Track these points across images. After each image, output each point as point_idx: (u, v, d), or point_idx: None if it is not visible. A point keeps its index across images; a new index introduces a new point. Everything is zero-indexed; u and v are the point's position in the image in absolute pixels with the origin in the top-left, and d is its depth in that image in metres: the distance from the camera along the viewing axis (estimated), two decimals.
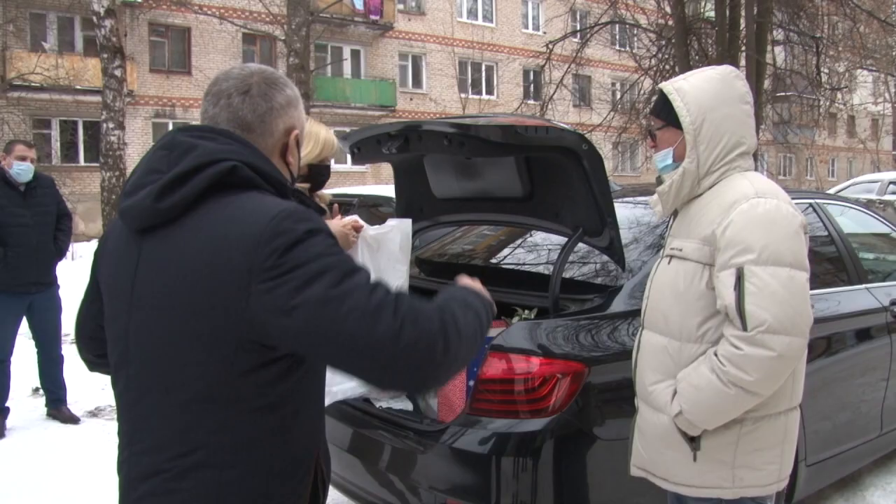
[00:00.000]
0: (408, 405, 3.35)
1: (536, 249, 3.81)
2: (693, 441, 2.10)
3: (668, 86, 2.20)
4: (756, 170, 2.26)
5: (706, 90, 2.14)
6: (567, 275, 3.17)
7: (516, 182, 3.13)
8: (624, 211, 3.65)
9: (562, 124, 2.88)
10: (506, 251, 4.08)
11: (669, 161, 2.21)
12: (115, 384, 1.52)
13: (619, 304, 2.92)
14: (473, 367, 2.91)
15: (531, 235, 3.89)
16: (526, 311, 3.05)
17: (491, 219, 3.61)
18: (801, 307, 1.97)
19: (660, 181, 2.27)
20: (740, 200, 2.04)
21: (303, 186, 2.92)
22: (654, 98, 2.28)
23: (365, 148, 3.26)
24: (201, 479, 1.37)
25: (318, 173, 3.00)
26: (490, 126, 2.71)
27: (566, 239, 3.02)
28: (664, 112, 2.20)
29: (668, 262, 2.21)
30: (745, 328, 1.94)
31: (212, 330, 1.34)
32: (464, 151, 2.84)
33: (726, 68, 2.24)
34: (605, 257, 3.12)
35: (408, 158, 3.52)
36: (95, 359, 1.74)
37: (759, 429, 2.09)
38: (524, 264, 3.83)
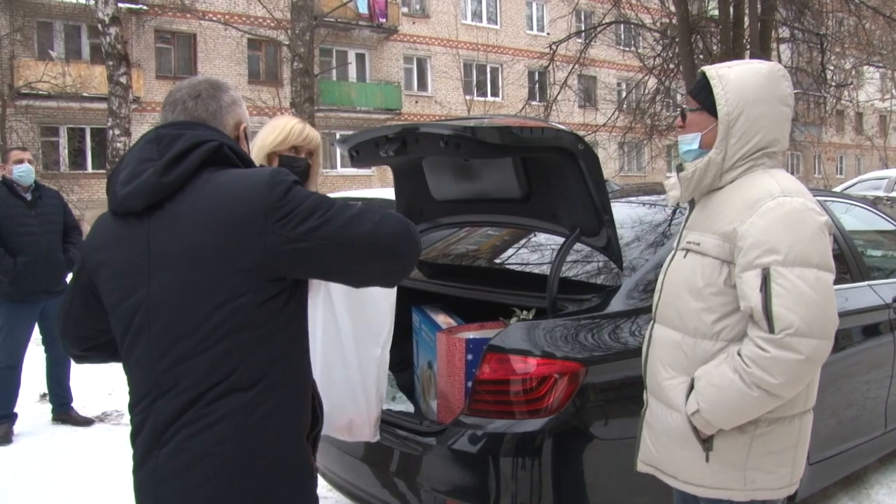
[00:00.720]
0: (408, 406, 3.36)
1: (535, 250, 3.82)
2: (706, 441, 2.08)
3: (711, 70, 2.13)
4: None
5: (749, 83, 2.08)
6: (565, 275, 3.17)
7: (514, 183, 3.14)
8: (626, 210, 3.65)
9: (558, 125, 2.88)
10: (505, 252, 4.08)
11: (695, 146, 2.15)
12: (129, 355, 1.71)
13: (617, 304, 2.92)
14: (472, 367, 2.91)
15: (531, 236, 3.90)
16: (524, 312, 3.05)
17: (490, 220, 3.61)
18: (828, 309, 1.94)
19: (680, 168, 2.21)
20: (765, 198, 1.99)
21: None
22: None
23: (363, 151, 3.27)
24: (231, 401, 1.60)
25: (289, 165, 2.88)
26: (486, 127, 2.72)
27: (564, 239, 3.02)
28: (702, 95, 2.14)
29: (684, 256, 2.16)
30: (772, 330, 1.90)
31: (237, 271, 1.60)
32: (460, 153, 2.84)
33: (774, 65, 2.17)
34: (604, 257, 3.12)
35: (407, 161, 3.52)
36: (82, 353, 1.95)
37: (773, 431, 2.07)
38: (523, 265, 3.83)
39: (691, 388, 2.09)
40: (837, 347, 3.66)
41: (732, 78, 2.08)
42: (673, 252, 2.28)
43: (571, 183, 2.90)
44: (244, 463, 1.60)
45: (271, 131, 2.88)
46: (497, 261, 4.06)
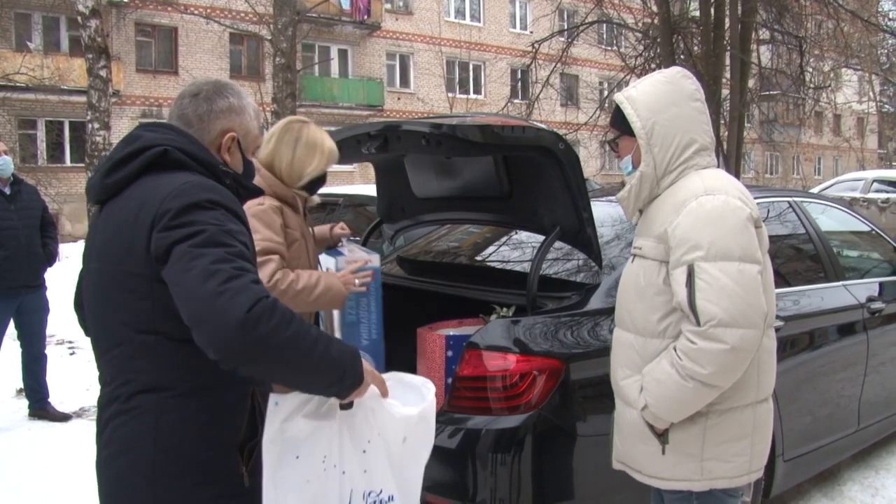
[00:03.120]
0: None
1: (516, 248, 3.84)
2: (661, 435, 2.17)
3: (619, 96, 2.26)
4: (720, 166, 2.32)
5: (653, 93, 2.20)
6: (545, 273, 3.19)
7: (495, 181, 3.16)
8: (606, 209, 3.68)
9: (539, 124, 2.91)
10: (486, 249, 4.10)
11: (630, 168, 2.28)
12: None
13: (596, 302, 2.94)
14: (451, 364, 2.93)
15: (512, 234, 3.92)
16: (504, 309, 3.07)
17: (471, 218, 3.63)
18: (752, 299, 2.02)
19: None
20: (689, 199, 2.11)
21: (299, 194, 2.92)
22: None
23: (345, 148, 3.27)
24: (143, 401, 1.65)
25: (320, 180, 2.98)
26: (467, 126, 2.74)
27: (544, 237, 3.04)
28: (618, 122, 2.28)
29: (632, 261, 2.29)
30: (697, 323, 2.01)
31: (132, 273, 1.64)
32: (442, 151, 2.86)
33: (673, 69, 2.30)
34: (584, 255, 3.14)
35: (388, 158, 3.54)
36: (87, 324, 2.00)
37: (724, 421, 2.15)
38: (503, 262, 3.86)
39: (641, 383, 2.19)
40: (811, 346, 3.72)
41: (637, 95, 2.21)
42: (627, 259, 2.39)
43: (552, 182, 2.92)
44: (156, 465, 1.64)
45: (308, 157, 2.88)
46: (478, 258, 4.08)
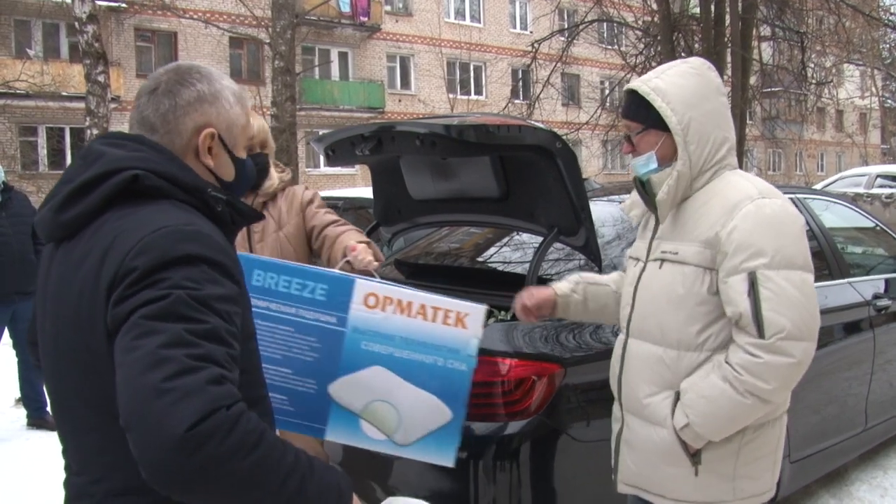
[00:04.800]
0: None
1: (514, 249, 3.78)
2: (694, 455, 2.01)
3: (642, 86, 2.05)
4: (743, 166, 2.22)
5: (686, 86, 2.02)
6: (544, 274, 3.14)
7: (492, 182, 3.11)
8: (607, 208, 3.63)
9: (536, 123, 2.85)
10: (484, 252, 4.05)
11: (653, 165, 2.07)
12: None
13: None
14: None
15: (510, 235, 3.86)
16: (502, 312, 3.01)
17: (468, 219, 3.58)
18: (814, 311, 1.91)
19: (640, 182, 2.16)
20: (744, 201, 1.95)
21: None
22: (624, 99, 2.15)
23: (339, 150, 3.23)
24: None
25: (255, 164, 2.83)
26: (462, 126, 2.68)
27: (542, 239, 2.99)
28: (641, 114, 2.06)
29: (660, 267, 2.08)
30: (762, 335, 1.86)
31: (93, 351, 1.27)
32: (436, 151, 2.81)
33: (698, 60, 2.14)
34: (583, 256, 3.08)
35: (384, 160, 3.48)
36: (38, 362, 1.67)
37: (759, 437, 2.04)
38: (501, 264, 3.80)
39: (676, 401, 2.03)
40: (819, 345, 3.65)
41: (667, 87, 2.02)
42: (641, 264, 2.18)
43: (549, 182, 2.87)
44: None
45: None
46: (476, 260, 4.03)
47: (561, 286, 2.37)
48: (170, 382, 1.11)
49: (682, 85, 2.02)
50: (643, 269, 2.16)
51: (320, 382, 2.12)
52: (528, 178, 3.00)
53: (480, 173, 3.11)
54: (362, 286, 2.15)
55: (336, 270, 2.32)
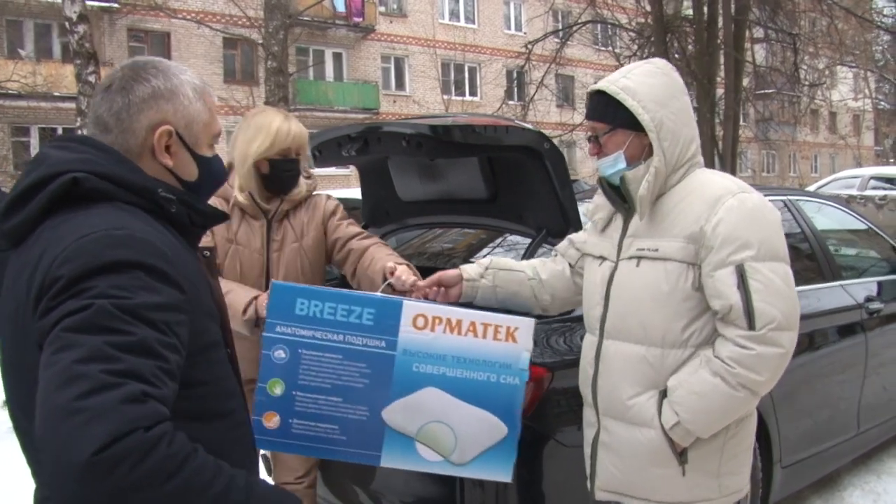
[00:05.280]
0: None
1: (508, 250, 3.75)
2: (681, 454, 2.00)
3: (611, 86, 2.04)
4: (715, 165, 2.23)
5: (655, 85, 2.03)
6: None
7: (480, 183, 3.07)
8: None
9: (523, 123, 2.82)
10: (472, 253, 4.01)
11: (622, 164, 2.07)
12: None
13: None
14: None
15: (504, 237, 3.82)
16: None
17: (456, 221, 3.54)
18: (796, 301, 1.95)
19: (607, 184, 2.15)
20: (726, 196, 1.97)
21: (244, 197, 2.67)
22: (589, 101, 2.13)
23: (326, 151, 3.19)
24: None
25: (283, 170, 2.71)
26: (448, 126, 2.65)
27: (530, 241, 2.95)
28: (609, 115, 2.06)
29: (637, 265, 2.06)
30: (752, 327, 1.87)
31: (30, 361, 1.18)
32: (422, 152, 2.77)
33: (661, 61, 2.17)
34: None
35: (372, 161, 3.45)
36: None
37: (740, 431, 2.06)
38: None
39: (661, 399, 2.01)
40: (812, 347, 3.63)
41: (636, 86, 2.02)
42: (610, 263, 2.15)
43: (537, 183, 2.83)
44: None
45: (254, 136, 2.68)
46: (461, 262, 3.98)
47: (469, 269, 2.38)
48: (81, 401, 1.03)
49: (650, 84, 2.03)
50: (615, 269, 2.13)
51: (372, 409, 2.10)
52: (516, 180, 2.96)
53: (468, 174, 3.08)
54: (410, 308, 2.14)
55: (381, 294, 2.29)
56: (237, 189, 2.72)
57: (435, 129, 2.64)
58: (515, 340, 2.16)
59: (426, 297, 2.34)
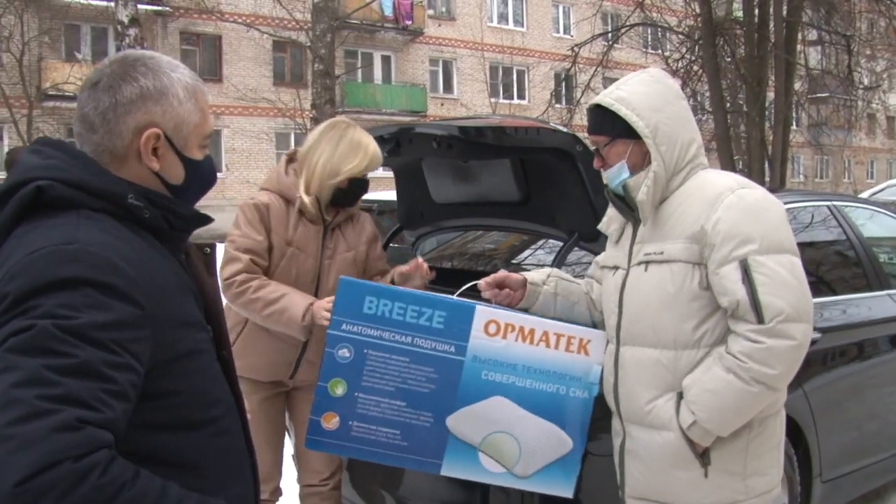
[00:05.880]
0: None
1: (536, 254, 3.72)
2: (703, 456, 1.99)
3: (605, 98, 2.09)
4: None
5: (648, 93, 2.07)
6: None
7: (512, 185, 3.06)
8: None
9: (556, 125, 2.80)
10: (505, 256, 3.99)
11: (626, 174, 2.10)
12: None
13: None
14: None
15: (533, 240, 3.80)
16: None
17: (489, 223, 3.53)
18: (807, 292, 1.95)
19: (614, 195, 2.17)
20: (725, 193, 1.99)
21: (310, 202, 2.70)
22: (588, 117, 2.17)
23: None
24: None
25: (358, 188, 2.78)
26: (478, 128, 2.65)
27: (562, 244, 2.93)
28: (607, 127, 2.10)
29: (645, 270, 2.08)
30: (761, 321, 1.87)
31: None
32: (453, 153, 2.77)
33: (655, 69, 2.22)
34: None
35: (407, 163, 3.45)
36: None
37: (764, 430, 2.04)
38: (522, 269, 3.73)
39: (678, 401, 2.01)
40: (851, 360, 3.52)
41: (629, 96, 2.06)
42: (622, 271, 2.17)
43: (569, 186, 2.81)
44: None
45: (349, 153, 2.70)
46: (497, 265, 3.96)
47: (533, 275, 2.36)
48: (11, 428, 0.99)
49: (644, 92, 2.07)
50: (626, 276, 2.15)
51: (437, 415, 2.06)
52: (548, 182, 2.94)
53: (501, 176, 3.06)
54: (483, 313, 2.10)
55: (455, 297, 2.22)
56: (305, 193, 2.71)
57: (465, 130, 2.63)
58: (588, 353, 2.11)
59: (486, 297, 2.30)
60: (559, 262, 2.82)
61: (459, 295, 2.24)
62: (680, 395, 2.01)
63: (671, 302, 2.02)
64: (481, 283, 2.28)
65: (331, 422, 2.03)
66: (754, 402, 1.93)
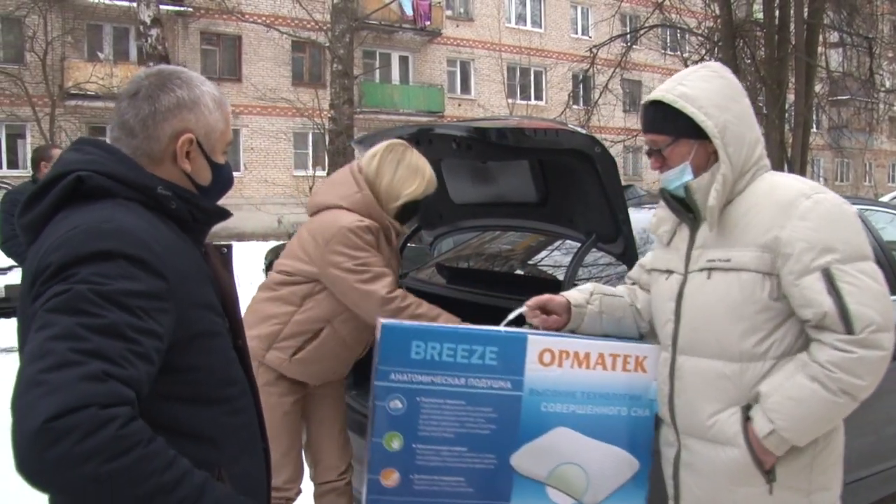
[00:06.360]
0: None
1: (553, 255, 3.73)
2: (769, 472, 1.91)
3: (668, 95, 1.96)
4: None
5: (713, 89, 1.95)
6: (581, 282, 3.07)
7: (530, 186, 3.07)
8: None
9: (574, 127, 2.81)
10: (523, 257, 4.01)
11: (688, 176, 1.98)
12: None
13: None
14: None
15: (551, 241, 3.81)
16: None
17: (507, 224, 3.55)
18: (889, 299, 1.83)
19: (670, 195, 2.06)
20: (799, 199, 1.86)
21: (393, 224, 2.83)
22: (644, 113, 2.04)
23: None
24: None
25: (413, 210, 2.90)
26: (498, 129, 2.66)
27: (580, 245, 2.94)
28: (669, 126, 1.98)
29: (708, 277, 1.96)
30: (851, 331, 1.77)
31: None
32: (472, 154, 2.79)
33: (716, 64, 2.08)
34: (622, 265, 3.01)
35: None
36: None
37: (829, 445, 1.96)
38: (538, 270, 3.76)
39: (744, 415, 1.92)
40: None
41: (694, 93, 1.94)
42: (679, 276, 2.05)
43: (587, 187, 2.81)
44: None
45: (409, 177, 2.80)
46: (513, 265, 3.99)
47: (574, 296, 2.24)
48: (45, 375, 1.12)
49: (708, 89, 1.95)
50: (684, 281, 2.03)
51: (500, 456, 1.97)
52: (566, 183, 2.95)
53: (520, 178, 3.08)
54: (536, 342, 1.99)
55: (503, 328, 2.11)
56: (392, 216, 2.83)
57: (484, 131, 2.64)
58: (645, 370, 2.05)
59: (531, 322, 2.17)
60: (577, 262, 2.83)
61: (506, 325, 2.14)
62: (744, 409, 1.92)
63: (738, 312, 1.91)
64: (526, 310, 2.17)
65: (391, 478, 1.93)
66: (838, 413, 1.86)
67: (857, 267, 1.81)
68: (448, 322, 2.63)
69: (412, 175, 2.79)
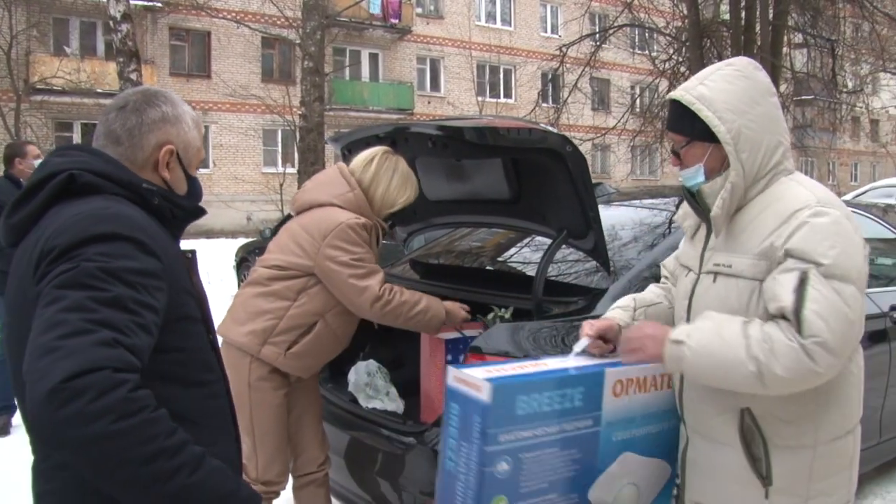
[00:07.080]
0: (398, 406, 3.34)
1: (525, 251, 3.81)
2: (766, 477, 1.90)
3: (685, 95, 1.92)
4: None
5: (733, 91, 1.90)
6: (553, 277, 3.16)
7: (503, 184, 3.13)
8: (627, 213, 3.64)
9: (546, 126, 2.88)
10: (495, 253, 4.07)
11: (701, 178, 1.97)
12: None
13: (603, 307, 2.85)
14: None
15: (527, 237, 3.88)
16: (502, 310, 3.03)
17: (480, 221, 3.61)
18: (857, 330, 1.78)
19: (688, 192, 2.05)
20: (802, 210, 1.82)
21: (380, 224, 2.97)
22: (666, 110, 2.02)
23: (355, 150, 3.27)
24: (65, 480, 1.42)
25: (397, 211, 3.07)
26: (473, 128, 2.72)
27: (551, 241, 3.01)
28: (686, 126, 1.95)
29: (714, 280, 1.96)
30: (801, 333, 1.72)
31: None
32: (448, 153, 2.85)
33: (744, 60, 2.00)
34: (592, 259, 3.10)
35: None
36: None
37: (831, 452, 1.91)
38: (510, 266, 3.83)
39: (740, 420, 1.92)
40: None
41: (712, 95, 1.89)
42: (693, 275, 2.06)
43: (559, 185, 2.89)
44: None
45: (403, 186, 2.96)
46: (485, 262, 4.05)
47: (621, 316, 2.20)
48: (60, 341, 1.22)
49: (728, 90, 1.90)
50: (696, 282, 2.04)
51: (582, 494, 1.95)
52: (538, 181, 3.02)
53: (493, 175, 3.14)
54: (612, 375, 1.96)
55: (582, 363, 2.02)
56: (380, 216, 2.97)
57: (460, 130, 2.70)
58: (669, 386, 2.08)
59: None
60: (548, 258, 2.91)
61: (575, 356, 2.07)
62: (741, 414, 1.91)
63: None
64: (588, 342, 2.08)
65: None
66: (735, 376, 1.78)
67: (834, 284, 1.75)
68: (431, 305, 2.84)
69: (405, 183, 2.95)
